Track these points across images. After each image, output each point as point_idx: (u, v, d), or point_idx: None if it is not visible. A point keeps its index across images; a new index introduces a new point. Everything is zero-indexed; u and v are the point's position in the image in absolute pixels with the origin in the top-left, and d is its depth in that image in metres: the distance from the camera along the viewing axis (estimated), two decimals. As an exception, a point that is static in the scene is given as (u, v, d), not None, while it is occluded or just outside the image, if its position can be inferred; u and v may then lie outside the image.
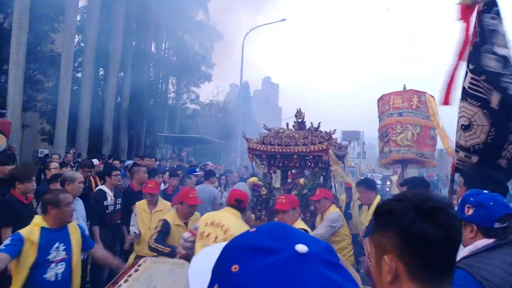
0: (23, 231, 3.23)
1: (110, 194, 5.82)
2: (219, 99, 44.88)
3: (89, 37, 19.07)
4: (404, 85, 6.65)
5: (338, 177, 5.87)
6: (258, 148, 5.86)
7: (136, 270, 1.37)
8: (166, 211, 5.22)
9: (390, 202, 1.13)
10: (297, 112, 6.23)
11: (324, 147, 5.45)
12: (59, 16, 18.61)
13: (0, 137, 11.15)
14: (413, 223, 1.04)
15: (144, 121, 24.74)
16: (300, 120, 6.15)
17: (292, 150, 5.66)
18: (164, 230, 4.45)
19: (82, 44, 21.56)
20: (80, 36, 21.88)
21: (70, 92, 17.23)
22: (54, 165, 6.87)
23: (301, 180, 5.84)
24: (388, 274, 1.06)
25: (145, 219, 5.34)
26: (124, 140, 23.02)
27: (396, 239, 1.06)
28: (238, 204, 3.93)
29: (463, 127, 3.06)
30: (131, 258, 5.23)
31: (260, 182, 6.03)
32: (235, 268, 0.62)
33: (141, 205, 5.44)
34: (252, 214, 5.69)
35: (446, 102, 3.30)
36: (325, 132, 5.82)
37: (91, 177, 7.56)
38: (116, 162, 10.75)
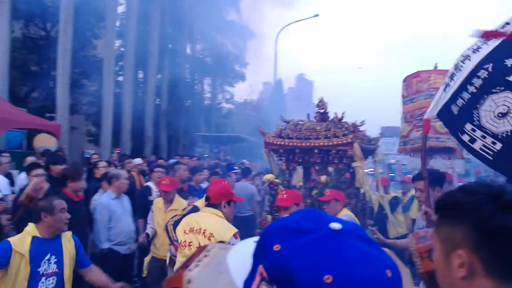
0: (13, 240, 3.00)
1: (155, 190, 6.08)
2: (253, 98, 45.22)
3: (128, 41, 19.80)
4: (436, 63, 5.90)
5: (359, 175, 5.10)
6: (275, 142, 5.36)
7: (206, 256, 1.45)
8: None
9: (457, 194, 1.09)
10: (319, 101, 5.59)
11: (349, 140, 4.85)
12: (99, 22, 19.40)
13: (51, 139, 11.81)
14: (493, 217, 0.99)
15: (181, 121, 25.39)
16: (322, 111, 5.54)
17: (313, 144, 5.07)
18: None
19: (122, 49, 22.41)
20: (120, 41, 22.74)
21: (113, 95, 17.99)
22: (102, 164, 7.21)
23: (323, 178, 5.20)
24: (462, 269, 1.02)
25: (159, 217, 5.12)
26: (163, 140, 23.72)
27: (471, 233, 1.02)
28: (207, 201, 3.45)
29: (500, 114, 3.13)
30: (146, 260, 5.08)
31: (277, 180, 5.40)
32: (276, 247, 0.66)
33: (157, 203, 5.19)
34: (268, 215, 5.27)
35: None
36: (351, 123, 5.20)
37: (134, 175, 7.99)
38: (161, 161, 11.24)
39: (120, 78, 22.38)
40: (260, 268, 0.67)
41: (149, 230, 5.25)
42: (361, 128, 5.24)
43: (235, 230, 3.19)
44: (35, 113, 13.02)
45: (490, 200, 1.01)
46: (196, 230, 3.23)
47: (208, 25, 27.18)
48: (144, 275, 5.10)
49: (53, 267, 3.07)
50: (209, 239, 3.07)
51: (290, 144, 5.20)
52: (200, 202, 4.26)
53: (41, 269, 2.99)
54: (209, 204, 3.39)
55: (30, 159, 6.89)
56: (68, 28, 14.69)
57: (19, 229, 4.74)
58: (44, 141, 12.34)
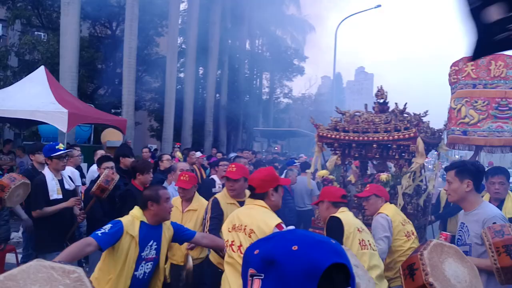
0: (125, 222, 3.07)
1: (219, 182, 6.17)
2: (311, 92, 44.71)
3: (189, 38, 20.17)
4: None
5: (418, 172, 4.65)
6: (329, 135, 5.00)
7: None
8: (202, 211, 4.34)
9: None
10: (378, 91, 5.15)
11: (412, 134, 4.45)
12: (162, 21, 19.93)
13: (117, 134, 12.26)
14: None
15: (240, 116, 25.58)
16: (381, 101, 5.10)
17: (371, 139, 4.70)
18: (215, 215, 3.90)
19: (183, 46, 22.92)
20: (181, 38, 23.25)
21: (174, 91, 18.42)
22: (166, 157, 7.39)
23: (383, 176, 4.79)
24: None
25: (176, 218, 4.37)
26: (223, 135, 24.04)
27: None
28: (251, 191, 3.07)
29: None
30: (166, 268, 4.47)
31: (331, 177, 5.03)
32: (256, 251, 0.92)
33: (175, 202, 4.43)
34: None
35: None
36: (413, 114, 4.78)
37: (196, 168, 8.20)
38: (219, 155, 11.35)
39: (182, 75, 22.93)
40: (250, 271, 0.91)
41: None
42: (424, 119, 4.86)
43: (278, 220, 2.87)
44: (102, 109, 13.60)
45: None
46: (237, 227, 2.96)
47: (267, 20, 27.11)
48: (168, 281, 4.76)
49: (153, 253, 3.18)
50: (250, 237, 2.83)
51: (346, 137, 4.85)
52: (220, 194, 4.12)
53: (144, 254, 3.10)
54: (254, 194, 3.04)
55: (100, 152, 7.20)
56: (133, 27, 15.17)
57: (90, 218, 5.02)
58: (111, 136, 12.87)
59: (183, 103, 19.48)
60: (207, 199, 5.53)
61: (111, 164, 5.42)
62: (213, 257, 3.99)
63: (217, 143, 22.72)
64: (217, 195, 4.11)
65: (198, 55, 20.29)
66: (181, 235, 3.43)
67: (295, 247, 0.87)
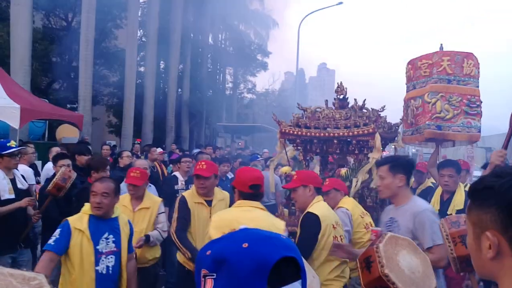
0: (71, 219, 3.07)
1: (181, 179, 6.05)
2: (274, 88, 44.93)
3: (150, 31, 19.67)
4: (441, 44, 5.10)
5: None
6: (291, 131, 5.07)
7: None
8: (155, 209, 4.22)
9: (489, 178, 1.13)
10: (338, 87, 5.25)
11: (370, 130, 4.57)
12: (121, 12, 19.33)
13: (73, 130, 11.84)
14: None
15: (203, 111, 25.31)
16: (341, 97, 5.20)
17: (332, 134, 4.81)
18: (182, 215, 3.80)
19: (143, 39, 22.34)
20: (141, 31, 22.66)
21: (134, 86, 17.92)
22: (126, 154, 7.30)
23: (342, 171, 4.93)
24: (490, 250, 1.07)
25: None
26: (185, 131, 23.68)
27: (499, 214, 1.06)
28: (255, 191, 2.95)
29: None
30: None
31: (293, 173, 4.96)
32: (208, 252, 0.94)
33: (123, 200, 3.97)
34: (285, 209, 5.02)
35: None
36: (372, 110, 4.90)
37: (157, 165, 8.14)
38: (177, 151, 11.27)
39: (142, 69, 22.38)
40: (202, 272, 0.93)
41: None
42: (382, 114, 5.00)
43: (282, 221, 2.98)
44: (57, 104, 13.06)
45: None
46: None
47: (231, 14, 26.90)
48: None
49: (112, 246, 3.11)
50: None
51: (308, 134, 4.96)
52: (188, 193, 4.02)
53: (100, 247, 3.04)
54: (253, 195, 2.92)
55: (55, 149, 6.94)
56: (90, 18, 14.62)
57: (45, 218, 4.83)
58: (67, 132, 12.40)
59: (143, 98, 19.00)
60: (170, 197, 5.44)
61: (67, 161, 5.31)
62: (180, 256, 3.91)
63: (179, 139, 22.36)
64: (184, 194, 4.01)
65: (159, 49, 19.84)
66: (129, 242, 3.34)
67: (245, 245, 0.89)
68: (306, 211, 3.37)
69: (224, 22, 28.46)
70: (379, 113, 4.86)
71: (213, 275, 0.89)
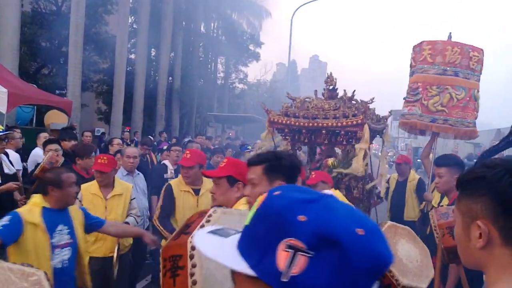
0: (21, 211, 2.88)
1: (170, 168, 6.02)
2: (266, 78, 44.85)
3: (141, 18, 19.47)
4: (450, 33, 4.88)
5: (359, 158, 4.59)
6: (280, 120, 5.04)
7: (208, 221, 1.39)
8: (128, 195, 4.17)
9: (479, 169, 1.14)
10: (328, 77, 5.24)
11: (359, 121, 4.53)
12: (112, -2, 19.09)
13: (62, 116, 11.72)
14: (510, 187, 1.06)
15: (194, 100, 25.20)
16: (330, 87, 5.18)
17: (320, 125, 4.76)
18: (166, 203, 3.82)
19: (135, 26, 22.10)
20: (132, 17, 22.39)
21: (125, 73, 17.75)
22: (117, 141, 7.26)
23: (330, 161, 4.93)
24: (480, 239, 1.07)
25: (99, 207, 4.04)
26: (176, 119, 23.58)
27: (490, 204, 1.07)
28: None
29: None
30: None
31: None
32: (302, 218, 0.69)
33: (89, 189, 4.04)
34: None
35: None
36: (361, 101, 4.91)
37: (148, 154, 7.99)
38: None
39: (133, 56, 22.15)
40: (289, 242, 0.68)
41: None
42: (371, 106, 5.00)
43: None
44: (45, 89, 12.91)
45: (507, 172, 1.07)
46: None
47: (224, 3, 26.68)
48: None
49: (66, 238, 2.98)
50: None
51: (296, 123, 4.90)
52: (175, 181, 4.05)
53: (54, 240, 2.89)
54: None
55: (44, 135, 6.90)
56: (80, 3, 14.42)
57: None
58: (55, 118, 12.26)
59: (133, 86, 18.84)
60: (160, 185, 5.43)
61: (55, 146, 5.26)
62: (164, 243, 3.84)
63: (169, 127, 22.27)
64: (171, 182, 4.04)
65: (150, 36, 19.65)
66: (89, 222, 3.24)
67: (360, 231, 0.68)
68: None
69: (216, 11, 28.25)
70: (368, 104, 4.85)
71: (311, 254, 0.67)
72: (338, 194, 4.04)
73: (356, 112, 4.63)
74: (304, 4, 26.34)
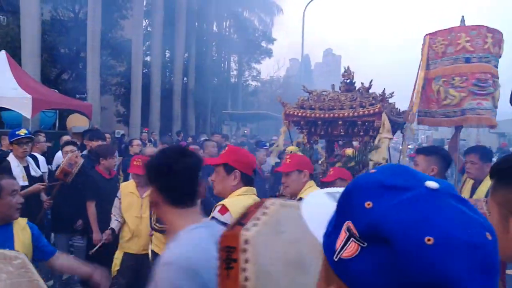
0: None
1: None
2: (279, 74, 44.88)
3: (155, 21, 19.86)
4: (462, 16, 4.65)
5: (383, 148, 4.44)
6: (295, 113, 4.94)
7: (264, 213, 1.29)
8: None
9: None
10: (345, 71, 5.12)
11: (376, 110, 4.36)
12: (126, 3, 19.51)
13: (83, 119, 12.13)
14: None
15: (209, 99, 25.51)
16: (348, 81, 5.04)
17: (337, 115, 4.64)
18: None
19: (149, 29, 22.53)
20: (147, 20, 22.83)
21: (141, 75, 18.18)
22: (136, 142, 7.50)
23: (348, 150, 4.76)
24: None
25: (135, 205, 4.21)
26: (191, 119, 23.97)
27: None
28: (253, 176, 2.66)
29: None
30: (118, 258, 4.25)
31: (299, 153, 4.79)
32: (368, 204, 0.63)
33: (127, 187, 4.26)
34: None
35: None
36: (379, 93, 4.72)
37: None
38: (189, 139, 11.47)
39: (148, 58, 22.58)
40: (349, 224, 0.64)
41: (114, 224, 4.35)
42: (390, 101, 4.86)
43: None
44: (66, 94, 13.33)
45: None
46: None
47: (235, 1, 26.89)
48: (113, 275, 4.17)
49: None
50: None
51: (312, 115, 4.79)
52: None
53: None
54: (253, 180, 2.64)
55: (66, 138, 7.17)
56: (96, 9, 14.83)
57: (56, 203, 4.96)
58: (76, 121, 12.70)
59: (150, 87, 19.29)
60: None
61: (70, 148, 5.43)
62: (157, 247, 3.74)
63: (186, 127, 22.66)
64: None
65: (164, 38, 20.03)
66: (39, 246, 2.70)
67: (429, 240, 0.57)
68: (298, 196, 3.21)
69: (228, 10, 28.47)
70: (387, 98, 4.69)
71: (363, 244, 0.62)
72: None
73: (373, 101, 4.47)
74: (315, -1, 26.33)
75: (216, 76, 28.08)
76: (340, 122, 4.71)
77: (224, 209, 2.37)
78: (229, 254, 1.26)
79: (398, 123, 5.00)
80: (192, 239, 1.56)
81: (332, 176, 3.96)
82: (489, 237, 0.60)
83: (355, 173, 4.42)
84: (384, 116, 4.32)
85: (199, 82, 24.10)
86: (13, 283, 1.51)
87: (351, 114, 4.54)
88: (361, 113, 4.46)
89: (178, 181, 1.65)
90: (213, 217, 2.37)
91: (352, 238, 0.63)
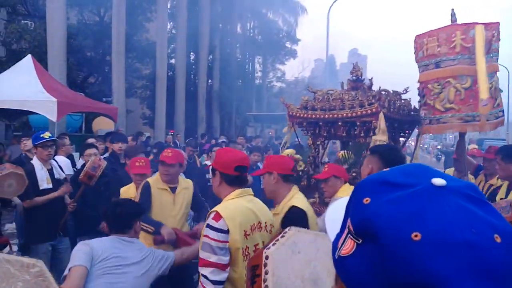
0: None
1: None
2: (304, 75, 44.57)
3: (179, 23, 19.92)
4: (452, 9, 4.31)
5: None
6: (298, 114, 4.76)
7: (283, 236, 1.46)
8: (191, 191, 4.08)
9: None
10: (354, 67, 4.85)
11: (374, 109, 4.10)
12: (151, 5, 19.62)
13: (108, 122, 12.18)
14: None
15: (233, 101, 25.46)
16: (355, 78, 4.77)
17: (336, 116, 4.43)
18: (144, 199, 3.74)
19: (173, 31, 22.62)
20: (171, 23, 22.94)
21: (166, 77, 18.23)
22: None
23: (340, 153, 4.60)
24: None
25: (166, 202, 4.07)
26: (216, 121, 23.95)
27: None
28: (241, 173, 2.56)
29: None
30: None
31: (296, 156, 4.69)
32: (366, 200, 0.62)
33: (128, 192, 4.23)
34: None
35: None
36: (380, 90, 4.43)
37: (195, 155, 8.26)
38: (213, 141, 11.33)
39: (173, 61, 22.68)
40: (348, 222, 0.64)
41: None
42: (405, 97, 4.65)
43: None
44: (92, 97, 13.44)
45: None
46: (257, 226, 2.47)
47: (259, 2, 26.78)
48: None
49: None
50: (270, 233, 2.53)
51: (313, 116, 4.61)
52: (152, 179, 3.91)
53: None
54: (242, 181, 2.61)
55: (91, 140, 7.19)
56: (121, 12, 14.94)
57: (79, 206, 4.93)
58: (102, 124, 12.78)
59: (174, 90, 19.31)
60: (202, 186, 5.52)
61: (93, 151, 5.44)
62: (144, 239, 3.73)
63: (210, 129, 22.64)
64: (149, 179, 3.94)
65: (188, 40, 20.06)
66: None
67: (416, 236, 0.54)
68: (292, 205, 2.98)
69: (252, 10, 28.38)
70: (401, 95, 4.54)
71: (358, 240, 0.61)
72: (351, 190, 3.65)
73: (373, 100, 4.21)
74: (340, -3, 25.93)
75: (241, 77, 28.03)
76: (340, 123, 4.46)
77: (218, 216, 2.34)
78: (254, 271, 1.54)
79: (409, 121, 4.70)
80: None
81: (327, 173, 3.76)
82: (498, 240, 0.54)
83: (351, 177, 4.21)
84: (381, 116, 4.01)
85: (223, 83, 24.06)
86: None
87: (349, 114, 4.31)
88: (359, 113, 4.22)
89: None
90: (208, 225, 2.35)
91: (349, 235, 0.63)
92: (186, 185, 4.04)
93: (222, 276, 2.26)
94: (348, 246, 0.62)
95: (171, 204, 3.83)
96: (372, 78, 4.69)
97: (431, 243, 0.53)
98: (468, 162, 4.67)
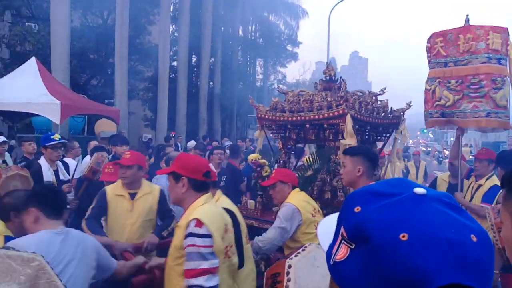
0: None
1: (214, 171, 6.17)
2: (305, 78, 44.64)
3: (181, 26, 20.02)
4: (467, 15, 4.42)
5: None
6: (267, 116, 4.48)
7: (304, 250, 1.61)
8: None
9: None
10: (327, 67, 4.62)
11: (340, 111, 3.86)
12: (154, 8, 19.75)
13: (111, 124, 12.28)
14: None
15: (235, 104, 25.56)
16: (328, 78, 4.51)
17: (303, 118, 4.15)
18: (98, 205, 3.65)
19: (176, 34, 22.75)
20: (173, 26, 23.07)
21: (168, 80, 18.34)
22: (169, 149, 7.53)
23: (305, 158, 4.39)
24: None
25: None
26: (217, 123, 24.04)
27: None
28: (209, 179, 2.57)
29: None
30: None
31: (261, 161, 4.36)
32: (357, 209, 0.69)
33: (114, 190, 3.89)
34: (251, 200, 4.54)
35: None
36: (346, 91, 4.26)
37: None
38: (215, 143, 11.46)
39: (175, 63, 22.80)
40: (341, 229, 0.70)
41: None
42: (381, 98, 4.47)
43: None
44: (95, 99, 13.55)
45: None
46: (226, 228, 2.53)
47: (260, 5, 26.90)
48: None
49: None
50: (232, 233, 2.57)
51: (281, 118, 4.32)
52: (111, 186, 3.80)
53: None
54: (208, 184, 2.63)
55: (93, 143, 7.28)
56: (124, 15, 15.05)
57: (82, 203, 4.89)
58: (104, 126, 12.88)
59: (176, 92, 19.43)
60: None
61: (104, 154, 5.55)
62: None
63: (211, 131, 22.73)
64: (107, 187, 3.82)
65: (190, 43, 20.17)
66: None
67: (403, 236, 0.61)
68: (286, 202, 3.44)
69: (253, 14, 28.49)
70: (347, 93, 4.25)
71: (351, 245, 0.67)
72: (301, 196, 3.56)
73: (341, 102, 3.98)
74: (341, 1, 26.06)
75: (242, 80, 28.12)
76: (307, 125, 4.22)
77: (199, 223, 2.32)
78: (274, 279, 1.64)
79: (386, 125, 4.47)
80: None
81: (273, 179, 3.62)
82: (474, 239, 0.62)
83: (312, 184, 4.05)
84: (348, 119, 3.81)
85: (225, 86, 24.17)
86: (32, 285, 1.55)
87: (316, 117, 4.07)
88: (326, 115, 3.99)
89: None
90: (191, 233, 2.29)
91: (343, 241, 0.69)
92: (148, 191, 3.80)
93: (216, 279, 2.28)
94: (342, 252, 0.68)
95: (127, 212, 3.63)
96: (341, 78, 4.48)
97: (417, 242, 0.60)
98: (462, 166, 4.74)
